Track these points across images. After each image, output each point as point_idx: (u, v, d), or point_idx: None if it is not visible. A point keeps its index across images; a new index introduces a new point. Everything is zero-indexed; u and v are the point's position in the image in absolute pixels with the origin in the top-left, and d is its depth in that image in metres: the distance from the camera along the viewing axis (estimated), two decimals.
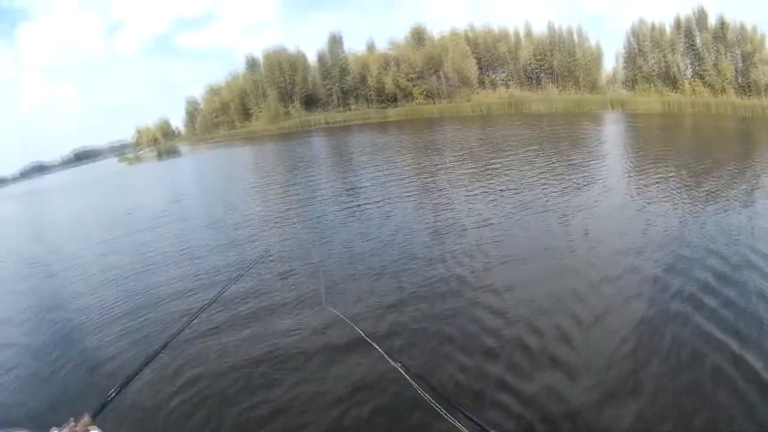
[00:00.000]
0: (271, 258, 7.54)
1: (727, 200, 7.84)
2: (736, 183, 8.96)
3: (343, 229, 8.92)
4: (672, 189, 8.86)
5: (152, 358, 2.16)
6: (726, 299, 4.54)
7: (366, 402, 3.65)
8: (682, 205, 7.81)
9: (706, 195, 8.23)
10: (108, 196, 23.39)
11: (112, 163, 58.79)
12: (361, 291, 5.83)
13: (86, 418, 1.32)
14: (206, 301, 3.42)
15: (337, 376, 4.06)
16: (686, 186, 9.02)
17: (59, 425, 1.25)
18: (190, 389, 4.17)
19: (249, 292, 6.16)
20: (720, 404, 3.20)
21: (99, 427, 1.40)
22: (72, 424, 1.24)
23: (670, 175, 10.00)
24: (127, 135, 77.59)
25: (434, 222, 8.50)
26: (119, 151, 71.89)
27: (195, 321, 2.91)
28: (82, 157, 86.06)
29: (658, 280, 5.09)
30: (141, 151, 59.59)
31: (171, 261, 8.53)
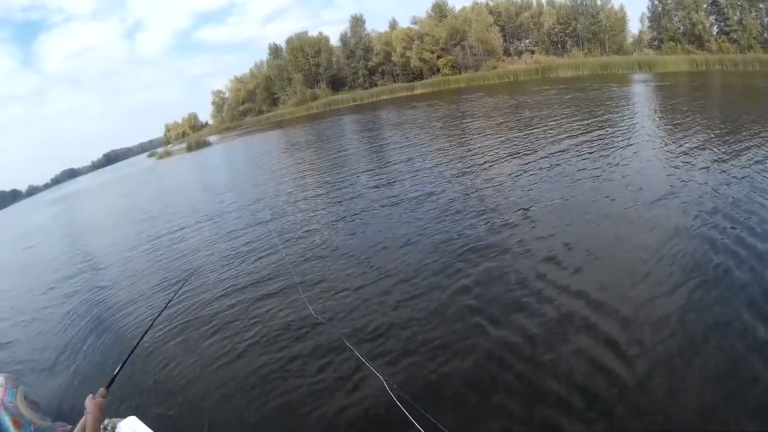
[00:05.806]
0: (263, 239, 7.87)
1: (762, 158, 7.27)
2: None
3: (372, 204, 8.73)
4: (708, 146, 8.41)
5: (147, 330, 2.49)
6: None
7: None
8: (719, 162, 7.34)
9: (744, 151, 7.74)
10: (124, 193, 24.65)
11: (140, 160, 60.03)
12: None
13: (102, 390, 1.64)
14: (188, 272, 3.68)
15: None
16: (724, 143, 8.48)
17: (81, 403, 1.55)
18: (183, 352, 4.55)
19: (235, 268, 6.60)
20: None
21: (111, 395, 1.70)
22: (91, 396, 1.53)
23: (705, 132, 9.61)
24: (158, 133, 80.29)
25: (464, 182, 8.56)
26: (149, 149, 74.07)
27: (182, 290, 3.37)
28: (112, 159, 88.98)
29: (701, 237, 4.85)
30: (170, 146, 61.08)
31: (155, 242, 9.55)
